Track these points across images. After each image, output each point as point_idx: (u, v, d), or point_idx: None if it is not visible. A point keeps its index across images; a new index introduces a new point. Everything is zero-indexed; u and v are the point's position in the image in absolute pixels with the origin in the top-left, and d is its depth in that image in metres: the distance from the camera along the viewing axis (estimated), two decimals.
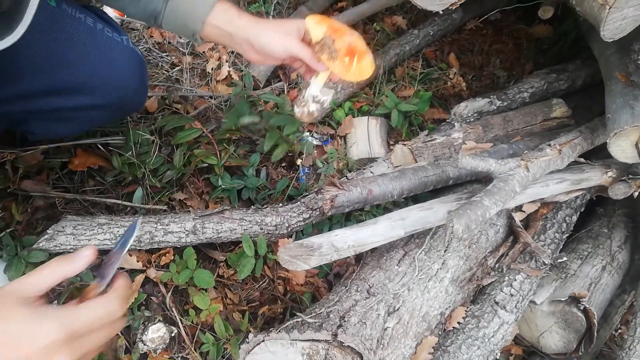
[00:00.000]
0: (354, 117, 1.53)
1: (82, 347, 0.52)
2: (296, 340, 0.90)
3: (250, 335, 0.94)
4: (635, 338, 1.13)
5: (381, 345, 0.93)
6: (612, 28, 0.90)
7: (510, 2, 1.90)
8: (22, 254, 1.02)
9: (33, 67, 0.88)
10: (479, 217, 0.98)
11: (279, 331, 0.92)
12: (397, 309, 1.01)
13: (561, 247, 1.32)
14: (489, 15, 1.92)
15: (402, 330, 0.99)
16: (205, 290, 1.13)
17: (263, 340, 0.93)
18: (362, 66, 0.96)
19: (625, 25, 0.91)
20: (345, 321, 0.93)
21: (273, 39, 0.91)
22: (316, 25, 0.96)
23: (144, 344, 1.09)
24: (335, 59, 0.94)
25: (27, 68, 0.87)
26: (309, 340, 0.89)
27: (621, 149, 1.12)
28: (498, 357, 1.21)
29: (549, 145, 1.18)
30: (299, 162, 1.42)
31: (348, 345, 0.87)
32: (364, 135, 1.47)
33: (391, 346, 0.95)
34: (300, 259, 1.00)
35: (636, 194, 1.29)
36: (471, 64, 1.83)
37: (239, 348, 0.97)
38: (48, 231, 1.03)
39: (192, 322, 1.13)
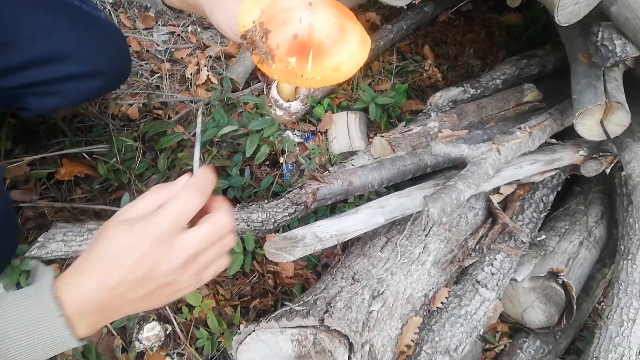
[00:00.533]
0: (333, 112, 1.57)
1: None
2: (285, 327, 0.94)
3: (242, 327, 0.98)
4: (613, 307, 1.17)
5: (367, 328, 0.97)
6: (566, 13, 0.94)
7: None
8: (15, 263, 1.04)
9: (17, 37, 0.91)
10: (453, 200, 1.03)
11: (269, 320, 0.96)
12: (382, 293, 1.05)
13: (539, 226, 1.37)
14: (460, 6, 1.97)
15: (387, 312, 1.03)
16: None
17: (254, 330, 0.96)
18: (328, 66, 0.64)
19: (579, 10, 0.95)
20: (331, 307, 0.97)
21: (224, 19, 0.72)
22: (250, 4, 0.66)
23: (140, 343, 1.12)
24: (270, 61, 0.63)
25: (11, 39, 0.90)
26: (297, 327, 0.93)
27: (587, 127, 1.17)
28: (483, 334, 1.26)
29: (519, 128, 1.23)
30: (281, 159, 1.45)
31: (334, 329, 0.91)
32: (344, 130, 1.51)
33: (377, 328, 0.99)
34: (285, 251, 1.04)
35: (608, 170, 1.34)
36: (445, 54, 1.88)
37: (233, 336, 1.00)
38: (39, 239, 1.06)
39: (185, 319, 1.16)
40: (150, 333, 1.13)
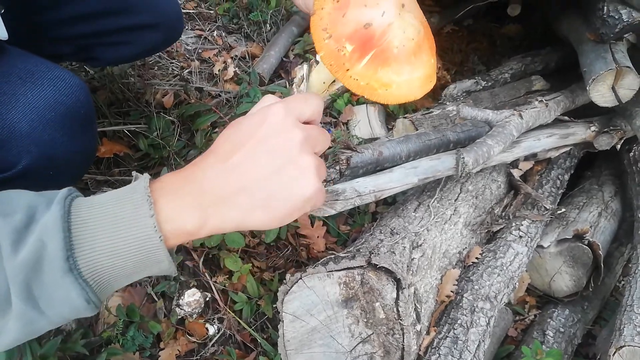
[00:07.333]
0: (353, 106, 1.65)
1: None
2: (332, 271, 0.96)
3: (287, 276, 1.00)
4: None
5: (410, 272, 1.00)
6: None
7: (479, 11, 2.11)
8: None
9: None
10: (484, 153, 1.09)
11: (315, 266, 0.98)
12: (420, 245, 1.08)
13: (558, 201, 1.43)
14: (462, 21, 2.11)
15: (427, 262, 1.06)
16: (237, 251, 1.19)
17: (300, 278, 0.98)
18: (380, 77, 0.57)
19: None
20: (376, 251, 1.00)
21: None
22: None
23: (181, 309, 1.13)
24: (325, 33, 0.56)
25: None
26: (344, 269, 0.96)
27: (600, 94, 1.26)
28: (512, 306, 1.29)
29: (537, 99, 1.31)
30: None
31: (382, 267, 0.94)
32: (365, 119, 1.59)
33: (419, 274, 1.02)
34: (326, 205, 1.08)
35: (618, 146, 1.42)
36: (452, 61, 2.00)
37: (272, 301, 1.02)
38: None
39: (224, 287, 1.18)
40: (191, 298, 1.14)
